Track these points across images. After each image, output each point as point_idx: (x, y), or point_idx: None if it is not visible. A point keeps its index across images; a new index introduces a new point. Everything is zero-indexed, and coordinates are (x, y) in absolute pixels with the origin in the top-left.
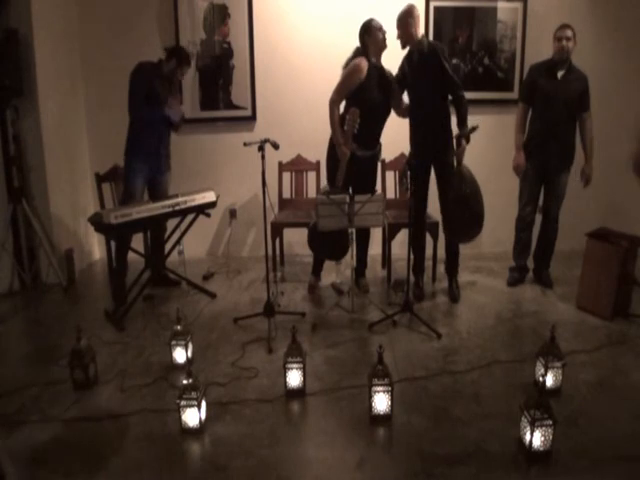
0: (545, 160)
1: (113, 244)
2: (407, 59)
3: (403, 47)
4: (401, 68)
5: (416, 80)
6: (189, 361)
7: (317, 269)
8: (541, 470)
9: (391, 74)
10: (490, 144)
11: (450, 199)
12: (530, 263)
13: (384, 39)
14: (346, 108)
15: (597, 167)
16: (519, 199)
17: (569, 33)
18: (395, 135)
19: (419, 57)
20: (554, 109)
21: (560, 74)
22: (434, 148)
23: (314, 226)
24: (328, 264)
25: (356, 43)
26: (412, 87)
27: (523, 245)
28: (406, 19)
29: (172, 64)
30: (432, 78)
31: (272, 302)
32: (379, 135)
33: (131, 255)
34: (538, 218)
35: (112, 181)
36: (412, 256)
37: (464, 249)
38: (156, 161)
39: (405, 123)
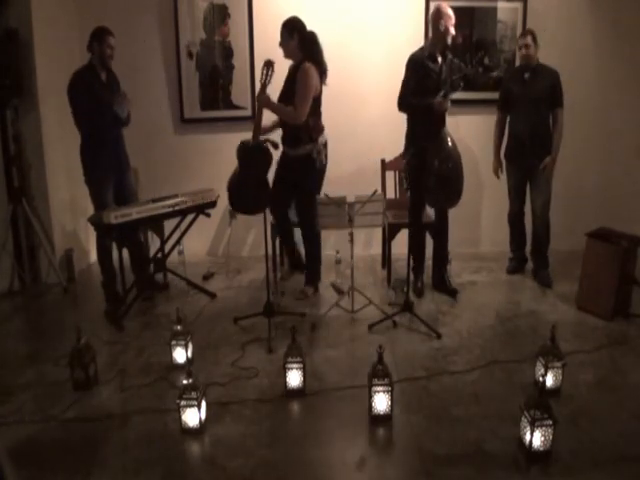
0: (523, 160)
1: (113, 247)
2: (430, 57)
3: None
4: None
5: (442, 80)
6: (189, 361)
7: (289, 259)
8: (541, 470)
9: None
10: (488, 144)
11: (432, 173)
12: (528, 264)
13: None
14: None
15: (597, 167)
16: (508, 197)
17: (527, 40)
18: (395, 135)
19: (449, 61)
20: (524, 110)
21: (527, 76)
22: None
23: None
24: (327, 264)
25: (355, 43)
26: (435, 85)
27: (517, 236)
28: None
29: (96, 48)
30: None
31: (272, 302)
32: (296, 133)
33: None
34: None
35: None
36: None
37: (464, 249)
38: (118, 165)
39: (405, 124)
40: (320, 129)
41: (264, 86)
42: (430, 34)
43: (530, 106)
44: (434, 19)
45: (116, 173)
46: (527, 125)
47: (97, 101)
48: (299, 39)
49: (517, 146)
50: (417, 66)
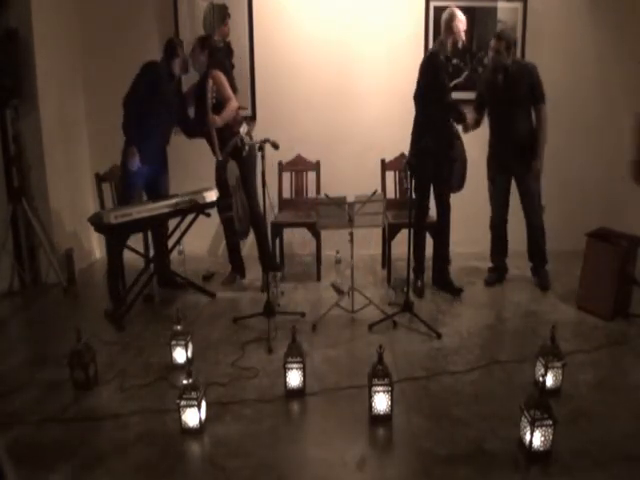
0: (506, 164)
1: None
2: (439, 59)
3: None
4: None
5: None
6: (189, 361)
7: (234, 265)
8: (541, 470)
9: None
10: (487, 145)
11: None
12: (521, 262)
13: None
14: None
15: (597, 167)
16: (490, 203)
17: (497, 45)
18: (395, 135)
19: (453, 65)
20: (502, 112)
21: (500, 78)
22: (436, 148)
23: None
24: (327, 264)
25: (355, 43)
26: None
27: (499, 244)
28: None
29: (181, 53)
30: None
31: (272, 302)
32: (222, 136)
33: (132, 255)
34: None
35: (112, 181)
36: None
37: (464, 249)
38: (158, 161)
39: (405, 124)
40: (238, 122)
41: (210, 107)
42: (442, 36)
43: (508, 109)
44: (448, 21)
45: (154, 169)
46: (506, 127)
47: (160, 94)
48: (209, 55)
49: (499, 152)
50: (442, 63)
